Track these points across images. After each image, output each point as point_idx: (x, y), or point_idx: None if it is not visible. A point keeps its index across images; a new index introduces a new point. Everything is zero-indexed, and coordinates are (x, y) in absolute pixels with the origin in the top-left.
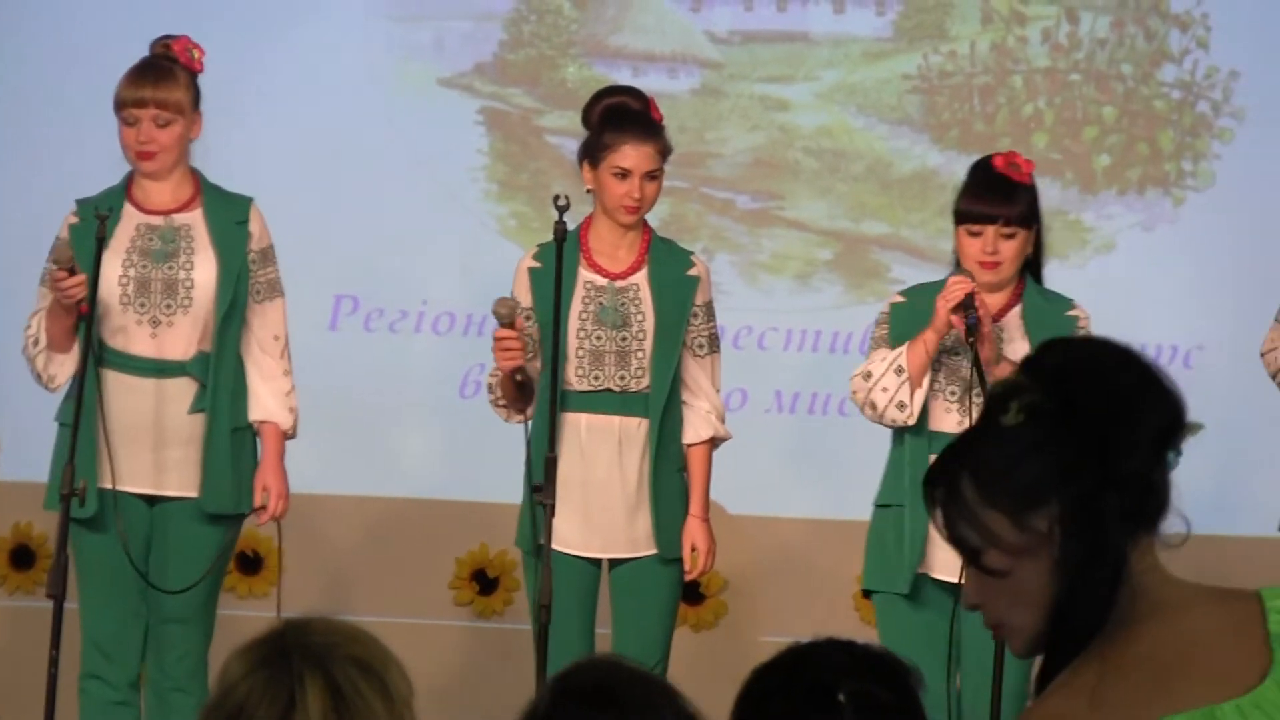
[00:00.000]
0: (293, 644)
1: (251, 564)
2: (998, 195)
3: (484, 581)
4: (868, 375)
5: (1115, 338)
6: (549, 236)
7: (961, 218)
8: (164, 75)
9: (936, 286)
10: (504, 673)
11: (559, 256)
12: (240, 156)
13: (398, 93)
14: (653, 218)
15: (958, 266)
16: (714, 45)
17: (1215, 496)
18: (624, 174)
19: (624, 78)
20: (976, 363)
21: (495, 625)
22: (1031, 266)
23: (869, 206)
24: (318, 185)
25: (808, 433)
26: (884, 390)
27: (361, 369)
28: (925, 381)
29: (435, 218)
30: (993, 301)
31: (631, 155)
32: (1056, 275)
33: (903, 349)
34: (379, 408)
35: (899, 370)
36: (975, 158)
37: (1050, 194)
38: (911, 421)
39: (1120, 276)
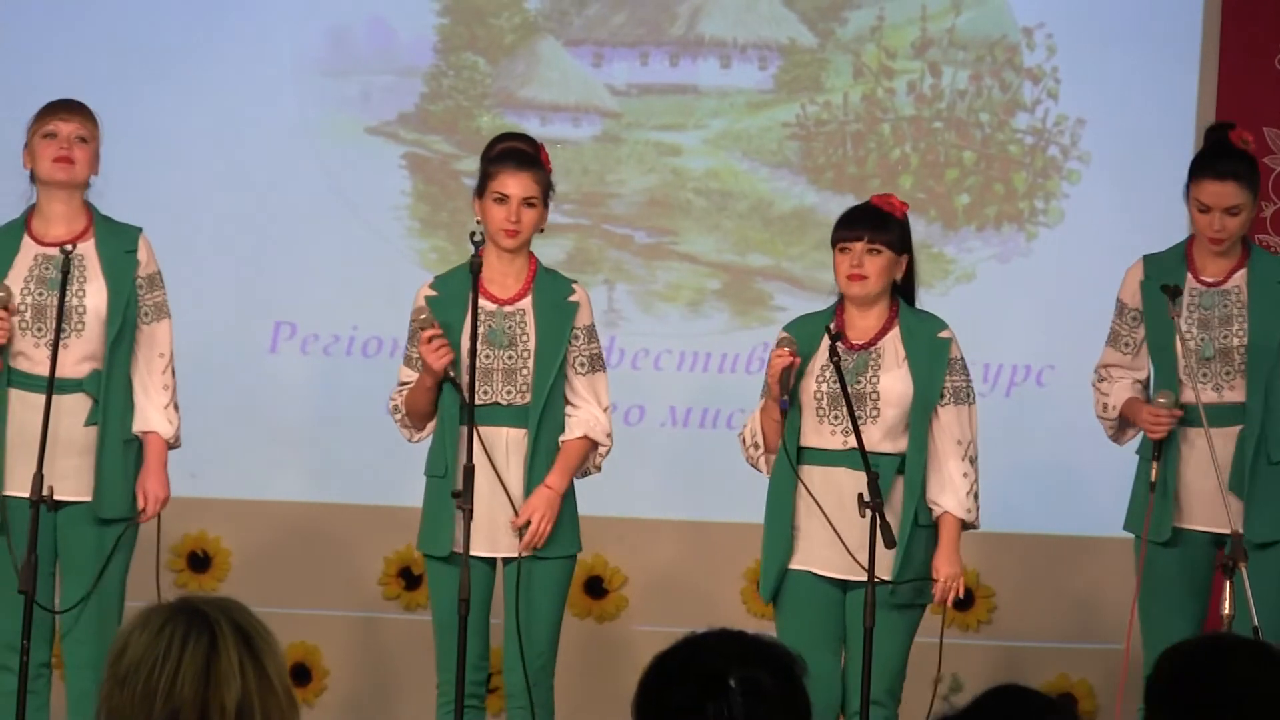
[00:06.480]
0: (194, 602)
1: (201, 563)
2: (867, 220)
3: (409, 578)
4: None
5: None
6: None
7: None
8: (82, 107)
9: (820, 315)
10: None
11: (475, 284)
12: (191, 200)
13: (329, 140)
14: (558, 251)
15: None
16: (613, 97)
17: (1063, 498)
18: (502, 198)
19: (532, 126)
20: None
21: (422, 617)
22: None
23: (753, 241)
24: (257, 224)
25: (697, 445)
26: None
27: (298, 387)
28: None
29: (364, 252)
30: (867, 324)
31: (509, 182)
32: (922, 302)
33: None
34: (314, 422)
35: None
36: (848, 197)
37: (916, 229)
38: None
39: (979, 304)
